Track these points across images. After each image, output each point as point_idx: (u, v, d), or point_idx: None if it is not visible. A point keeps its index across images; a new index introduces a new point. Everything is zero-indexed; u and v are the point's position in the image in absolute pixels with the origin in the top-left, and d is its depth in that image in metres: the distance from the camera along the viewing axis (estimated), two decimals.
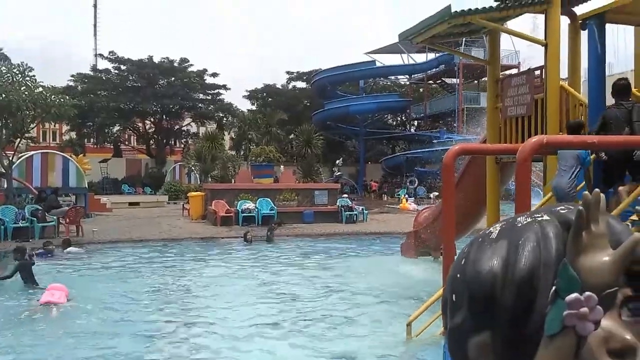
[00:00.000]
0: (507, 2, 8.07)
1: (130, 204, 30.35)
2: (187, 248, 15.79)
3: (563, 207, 0.73)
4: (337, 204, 22.21)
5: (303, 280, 11.18)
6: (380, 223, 21.30)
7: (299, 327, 7.92)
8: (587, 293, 0.62)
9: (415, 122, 51.13)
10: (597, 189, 0.71)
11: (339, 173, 42.42)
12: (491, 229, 0.77)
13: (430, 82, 47.28)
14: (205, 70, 45.48)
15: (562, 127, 7.73)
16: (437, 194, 32.75)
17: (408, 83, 49.61)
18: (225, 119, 47.89)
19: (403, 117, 51.54)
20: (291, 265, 12.97)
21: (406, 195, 33.44)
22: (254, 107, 50.17)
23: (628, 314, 0.66)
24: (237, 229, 18.63)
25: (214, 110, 46.95)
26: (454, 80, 42.72)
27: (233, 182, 25.63)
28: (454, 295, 0.75)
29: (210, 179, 28.52)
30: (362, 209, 22.58)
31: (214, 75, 45.79)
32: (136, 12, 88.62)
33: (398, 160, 42.65)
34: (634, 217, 5.67)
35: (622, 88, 6.46)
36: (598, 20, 7.02)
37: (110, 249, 15.42)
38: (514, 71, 34.51)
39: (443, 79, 45.97)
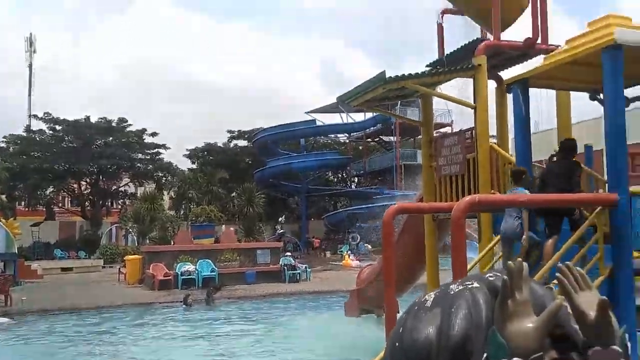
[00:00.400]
0: (438, 68, 8.51)
1: (63, 269, 28.94)
2: (124, 315, 15.11)
3: (491, 275, 0.77)
4: (280, 262, 21.99)
5: (246, 345, 10.86)
6: (323, 281, 21.18)
7: None
8: (515, 359, 0.66)
9: (356, 179, 52.03)
10: (519, 259, 0.76)
11: (282, 231, 42.24)
12: (426, 296, 0.80)
13: (369, 140, 48.56)
14: (144, 130, 44.95)
15: (493, 185, 8.06)
16: (369, 246, 33.07)
17: (347, 141, 50.74)
18: (164, 178, 47.10)
19: (344, 174, 52.34)
20: (233, 330, 12.60)
21: (349, 252, 33.54)
22: (194, 166, 49.71)
23: None
24: (177, 292, 18.05)
25: (153, 170, 46.16)
26: (392, 138, 44.05)
27: (172, 243, 25.01)
28: None
29: (148, 241, 27.73)
30: (306, 268, 22.43)
31: (154, 134, 45.30)
32: (73, 73, 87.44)
33: (340, 217, 42.97)
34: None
35: (569, 147, 6.90)
36: (521, 85, 7.49)
37: (40, 318, 14.55)
38: (447, 129, 36.05)
39: (381, 136, 47.35)
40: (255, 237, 28.86)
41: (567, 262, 0.85)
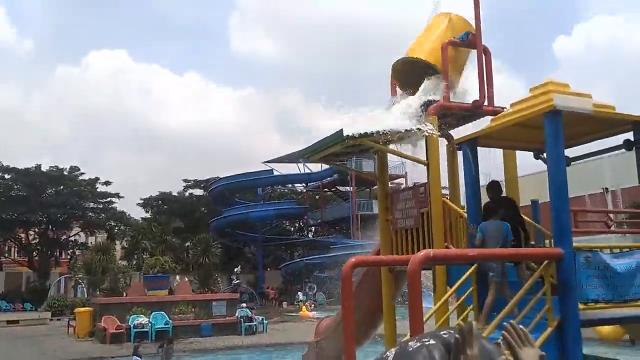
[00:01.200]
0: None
1: (9, 322, 27.62)
2: None
3: (445, 332, 0.88)
4: (237, 314, 21.68)
5: None
6: (280, 332, 20.95)
7: None
8: None
9: (313, 228, 52.14)
10: (470, 320, 0.93)
11: (237, 281, 41.67)
12: (387, 353, 0.91)
13: (326, 190, 49.03)
14: (97, 179, 44.21)
15: (446, 238, 8.39)
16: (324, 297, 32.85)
17: (305, 190, 51.07)
18: (117, 227, 46.08)
19: (301, 224, 52.42)
20: None
21: (307, 302, 33.31)
22: (148, 215, 48.88)
23: None
24: (129, 346, 17.49)
25: (105, 219, 45.17)
26: (348, 188, 44.61)
27: (124, 295, 24.34)
28: None
29: (99, 292, 26.89)
30: (262, 319, 22.17)
31: (107, 183, 44.59)
32: (24, 120, 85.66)
33: (297, 266, 42.80)
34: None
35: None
36: (470, 144, 7.93)
37: None
38: (401, 180, 36.86)
39: (337, 186, 47.89)
40: (210, 287, 28.40)
41: (511, 321, 0.96)
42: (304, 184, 49.63)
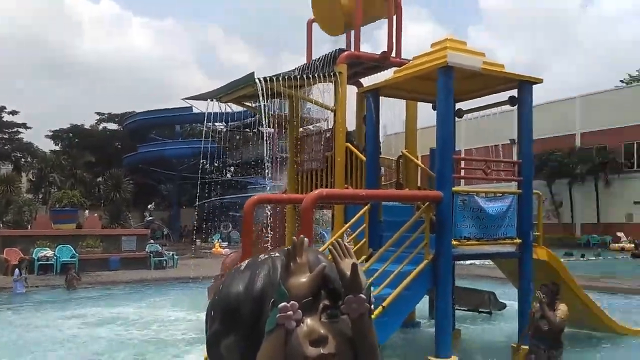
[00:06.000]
0: (304, 74, 9.21)
1: None
2: None
3: (288, 247, 1.04)
4: (146, 249, 21.75)
5: (101, 333, 10.75)
6: (190, 268, 21.29)
7: None
8: (292, 302, 0.93)
9: (232, 168, 52.00)
10: (302, 235, 1.07)
11: (151, 218, 41.29)
12: (242, 263, 1.09)
13: (247, 130, 48.72)
14: (3, 108, 41.60)
15: (347, 180, 8.96)
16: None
17: (225, 130, 50.48)
18: (23, 159, 43.92)
19: (219, 163, 52.09)
20: (89, 317, 12.34)
21: (220, 240, 33.72)
22: (58, 148, 46.78)
23: (326, 317, 0.98)
24: (32, 278, 17.27)
25: (10, 150, 42.88)
26: (270, 130, 44.58)
27: (29, 227, 23.69)
28: (212, 311, 1.05)
29: (2, 225, 25.96)
30: (173, 255, 22.39)
31: (13, 113, 42.09)
32: None
33: (213, 205, 42.85)
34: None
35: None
36: (373, 94, 8.42)
37: None
38: (323, 124, 37.34)
39: (258, 127, 47.70)
40: (121, 223, 28.10)
41: (338, 239, 1.12)
42: (224, 123, 49.02)
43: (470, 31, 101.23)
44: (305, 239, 1.03)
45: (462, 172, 8.06)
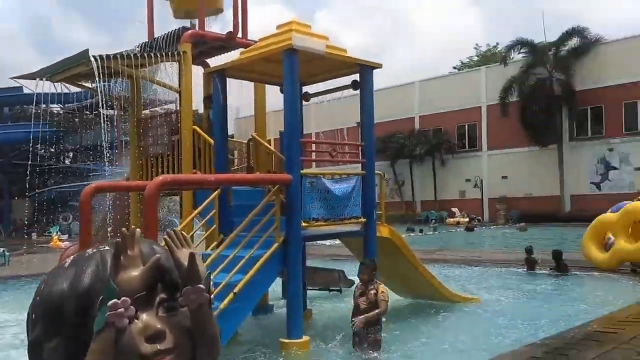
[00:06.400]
0: (145, 52, 8.71)
1: None
2: None
3: (117, 240, 0.96)
4: None
5: None
6: (24, 265, 19.43)
7: None
8: (123, 298, 0.86)
9: (71, 154, 48.22)
10: (133, 226, 1.05)
11: None
12: (67, 260, 0.98)
13: (87, 112, 45.38)
14: None
15: (195, 165, 8.67)
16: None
17: (61, 112, 46.57)
18: None
19: (56, 149, 48.00)
20: None
21: (59, 233, 31.23)
22: None
23: (163, 310, 0.92)
24: None
25: None
26: (113, 112, 41.99)
27: None
28: (33, 314, 0.94)
29: None
30: (3, 251, 20.27)
31: None
32: None
33: (49, 195, 39.49)
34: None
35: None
36: (219, 75, 8.20)
37: None
38: (172, 106, 35.98)
39: (99, 109, 44.72)
40: None
41: (174, 229, 1.04)
42: (60, 105, 45.18)
43: (318, 16, 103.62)
44: (137, 229, 0.97)
45: (313, 155, 8.19)
